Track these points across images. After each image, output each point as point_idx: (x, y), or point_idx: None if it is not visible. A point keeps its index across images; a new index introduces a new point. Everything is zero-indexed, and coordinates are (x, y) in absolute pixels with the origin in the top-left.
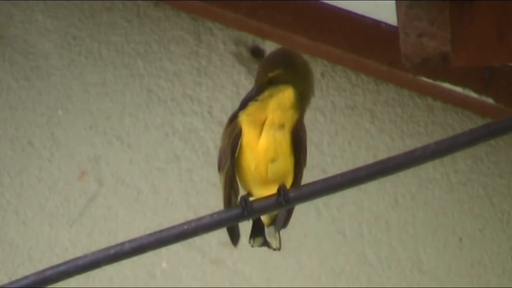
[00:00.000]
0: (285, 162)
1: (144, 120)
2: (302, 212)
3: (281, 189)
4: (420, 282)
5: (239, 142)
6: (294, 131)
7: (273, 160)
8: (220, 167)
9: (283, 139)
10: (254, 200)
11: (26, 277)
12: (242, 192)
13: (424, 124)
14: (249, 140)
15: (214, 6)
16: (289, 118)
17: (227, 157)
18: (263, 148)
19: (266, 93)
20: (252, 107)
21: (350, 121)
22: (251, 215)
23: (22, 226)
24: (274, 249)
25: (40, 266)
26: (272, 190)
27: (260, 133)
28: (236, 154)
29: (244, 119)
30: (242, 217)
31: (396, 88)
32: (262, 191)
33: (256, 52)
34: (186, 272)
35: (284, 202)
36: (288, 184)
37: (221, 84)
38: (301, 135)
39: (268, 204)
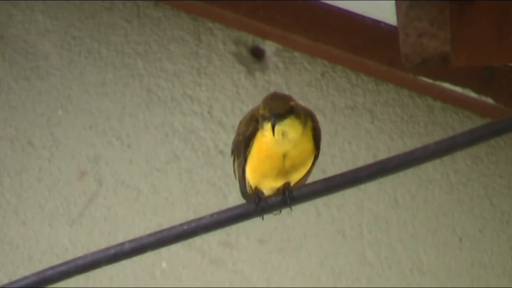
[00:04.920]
0: (307, 165)
1: (144, 120)
2: (302, 212)
3: (286, 189)
4: (420, 282)
5: (251, 147)
6: (313, 133)
7: (295, 167)
8: (236, 155)
9: (306, 147)
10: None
11: (26, 277)
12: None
13: (424, 124)
14: (271, 154)
15: (214, 6)
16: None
17: (240, 151)
18: (289, 165)
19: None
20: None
21: (350, 121)
22: (260, 214)
23: (22, 226)
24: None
25: (40, 266)
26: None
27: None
28: (249, 152)
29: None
30: (242, 217)
31: (396, 88)
32: (273, 184)
33: (256, 52)
34: (186, 272)
35: (289, 201)
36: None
37: (221, 84)
38: (319, 134)
39: (274, 203)
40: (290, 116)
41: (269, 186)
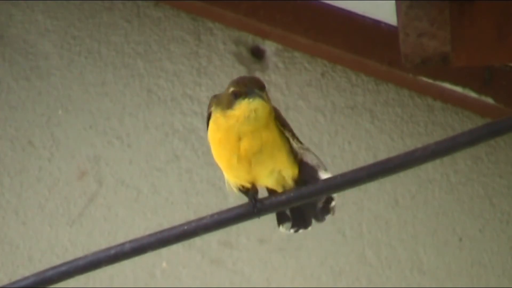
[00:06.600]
0: (273, 153)
1: (144, 120)
2: None
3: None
4: (420, 282)
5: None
6: (277, 121)
7: (256, 154)
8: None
9: (268, 133)
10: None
11: (26, 278)
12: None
13: (424, 124)
14: (227, 139)
15: (214, 6)
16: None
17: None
18: (246, 148)
19: (237, 107)
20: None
21: (350, 121)
22: (258, 215)
23: (22, 226)
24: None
25: (40, 266)
26: (261, 176)
27: (238, 137)
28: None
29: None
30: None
31: (396, 88)
32: (246, 176)
33: (256, 52)
34: (186, 272)
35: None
36: (284, 163)
37: (221, 84)
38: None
39: (273, 203)
40: (265, 92)
41: (243, 178)
